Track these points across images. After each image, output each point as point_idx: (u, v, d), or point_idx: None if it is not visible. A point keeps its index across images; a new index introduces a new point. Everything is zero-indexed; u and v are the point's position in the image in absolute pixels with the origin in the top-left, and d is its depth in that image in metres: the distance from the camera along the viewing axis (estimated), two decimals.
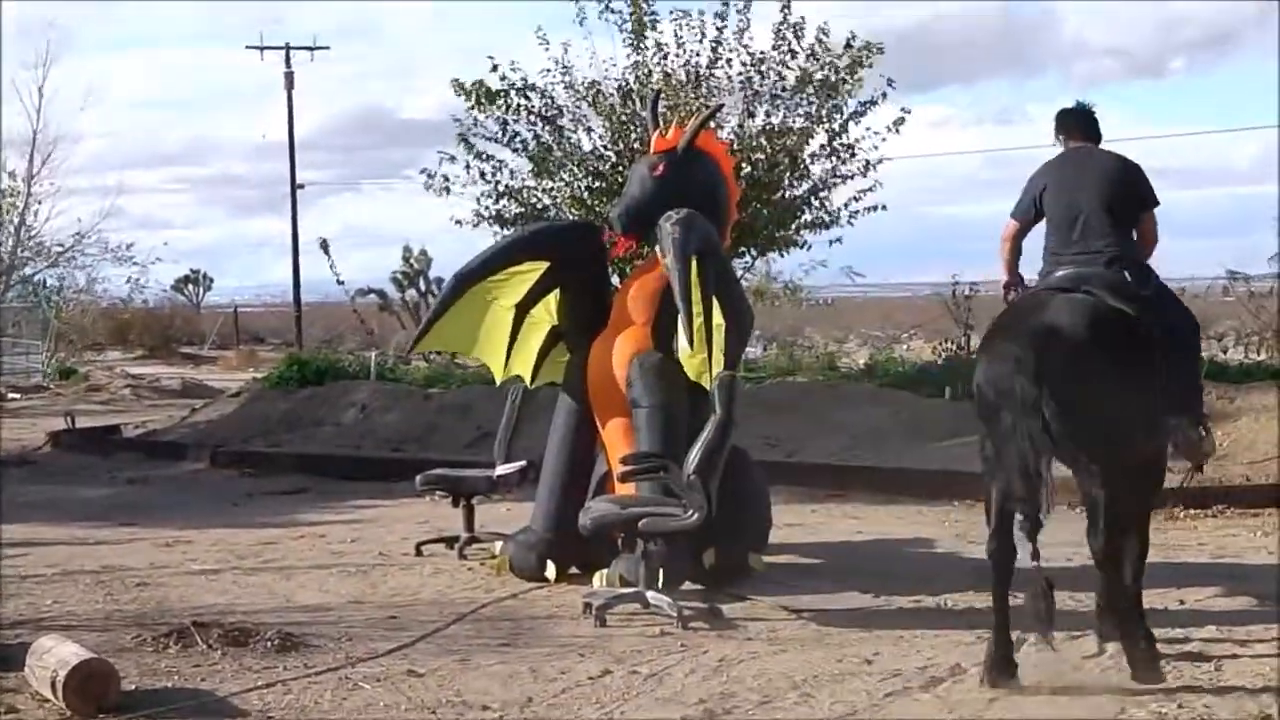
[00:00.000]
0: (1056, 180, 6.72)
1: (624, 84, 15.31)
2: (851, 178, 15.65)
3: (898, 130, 15.61)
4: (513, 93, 15.40)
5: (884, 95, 15.37)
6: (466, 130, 15.65)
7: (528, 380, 9.41)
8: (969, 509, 11.16)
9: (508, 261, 8.99)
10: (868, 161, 15.60)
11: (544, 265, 8.94)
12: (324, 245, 23.56)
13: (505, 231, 15.25)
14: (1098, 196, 6.55)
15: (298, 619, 7.54)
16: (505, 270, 8.94)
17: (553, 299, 9.04)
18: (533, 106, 15.49)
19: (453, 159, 15.82)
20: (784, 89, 15.37)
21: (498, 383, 9.58)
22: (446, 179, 15.91)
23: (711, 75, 15.22)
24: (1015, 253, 6.97)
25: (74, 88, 76.22)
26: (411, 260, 35.36)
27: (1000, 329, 6.41)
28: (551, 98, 15.54)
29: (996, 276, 7.37)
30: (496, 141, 15.70)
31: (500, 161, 15.76)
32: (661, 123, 9.24)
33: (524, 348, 9.21)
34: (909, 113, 15.70)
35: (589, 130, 15.64)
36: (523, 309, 9.05)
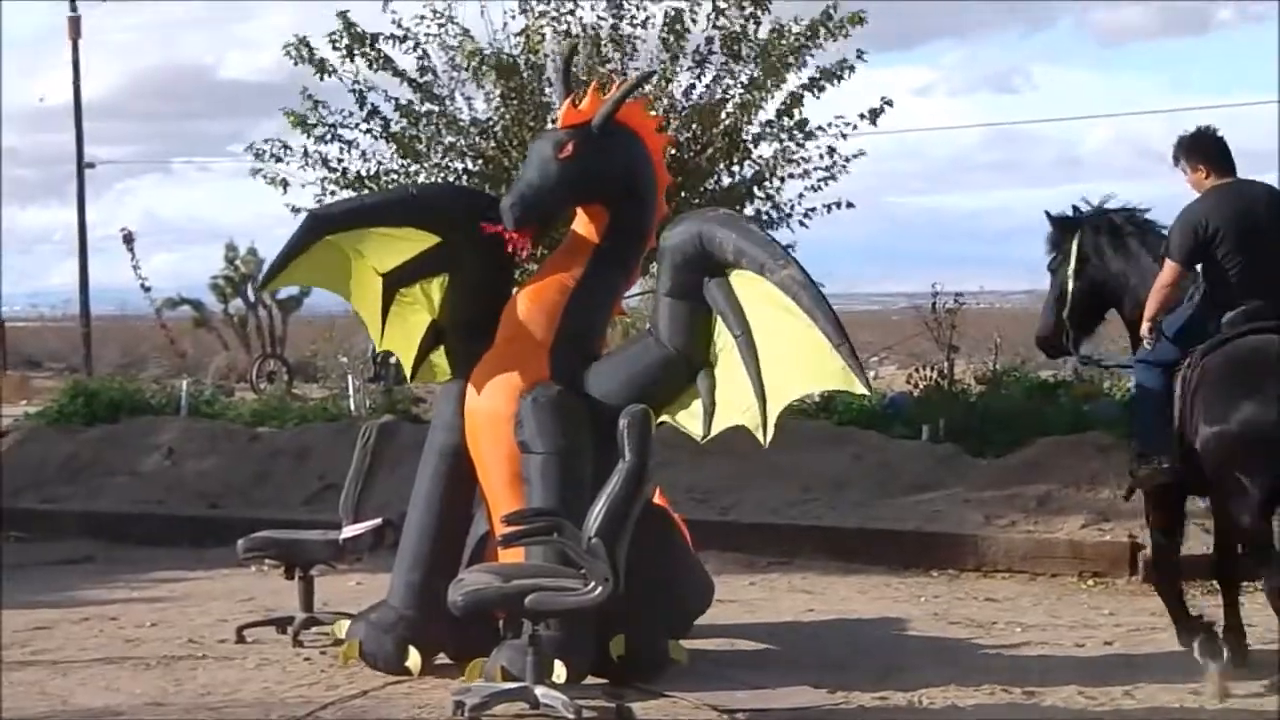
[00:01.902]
0: (1229, 220, 8.27)
1: (513, 47, 15.29)
2: (806, 165, 15.65)
3: (874, 121, 15.62)
4: (368, 47, 15.29)
5: (850, 68, 15.37)
6: (305, 109, 15.46)
7: (406, 371, 9.39)
8: (950, 580, 11.30)
9: (380, 220, 8.95)
10: (831, 149, 15.59)
11: (429, 239, 8.88)
12: (127, 238, 23.36)
13: None
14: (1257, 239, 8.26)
15: None
16: (375, 230, 8.89)
17: (435, 286, 8.99)
18: (399, 67, 15.41)
19: (286, 146, 15.66)
20: (717, 48, 15.42)
21: (376, 348, 9.57)
22: (279, 159, 15.70)
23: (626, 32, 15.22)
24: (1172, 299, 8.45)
25: None
26: (237, 261, 35.03)
27: (1260, 371, 7.98)
28: (426, 52, 15.48)
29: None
30: (345, 126, 15.54)
31: (348, 143, 15.61)
32: (573, 88, 9.21)
33: (401, 328, 9.14)
34: (891, 104, 15.70)
35: (469, 100, 15.60)
36: (393, 283, 8.98)
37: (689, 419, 8.28)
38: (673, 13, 15.23)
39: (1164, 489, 8.51)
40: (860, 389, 7.71)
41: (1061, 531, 11.88)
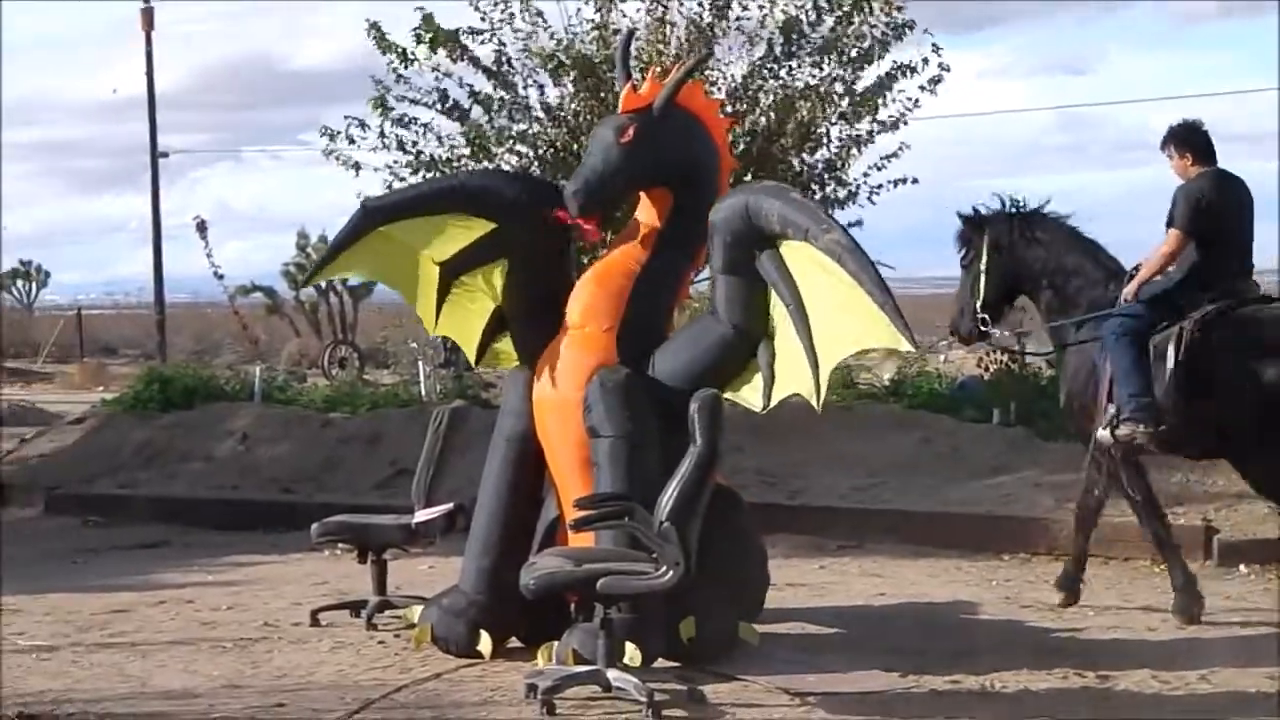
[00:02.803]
0: (1222, 202, 9.25)
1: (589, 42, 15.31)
2: (870, 139, 15.61)
3: (933, 90, 15.59)
4: (451, 43, 15.36)
5: (925, 60, 15.30)
6: (383, 92, 15.55)
7: (471, 357, 9.44)
8: (1021, 564, 11.25)
9: (431, 209, 9.03)
10: (897, 120, 15.54)
11: (485, 226, 8.92)
12: (201, 226, 23.42)
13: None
14: (1251, 226, 9.41)
15: (155, 708, 7.53)
16: (429, 218, 8.97)
17: (496, 273, 9.03)
18: (476, 57, 15.47)
19: (363, 125, 15.73)
20: (794, 35, 15.37)
21: (430, 335, 9.67)
22: (353, 140, 15.78)
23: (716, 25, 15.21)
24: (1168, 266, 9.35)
25: None
26: (309, 249, 35.19)
27: None
28: (503, 43, 15.53)
29: None
30: (424, 105, 15.61)
31: (424, 125, 15.67)
32: (635, 73, 9.22)
33: (460, 315, 9.20)
34: (948, 70, 15.66)
35: (540, 87, 15.63)
36: (451, 271, 9.05)
37: (750, 392, 8.27)
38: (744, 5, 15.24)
39: (1138, 449, 9.33)
40: (906, 345, 7.69)
41: (1134, 515, 11.77)
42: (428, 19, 15.23)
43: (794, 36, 15.24)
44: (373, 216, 9.08)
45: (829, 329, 7.90)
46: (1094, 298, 9.58)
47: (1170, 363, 9.06)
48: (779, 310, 8.16)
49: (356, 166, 15.71)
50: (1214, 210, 9.22)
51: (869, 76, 15.44)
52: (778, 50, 15.29)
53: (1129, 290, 9.32)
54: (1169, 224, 9.27)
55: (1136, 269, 9.46)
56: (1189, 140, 9.47)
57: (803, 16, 15.24)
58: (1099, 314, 9.48)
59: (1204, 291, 9.17)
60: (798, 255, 8.02)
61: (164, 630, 9.62)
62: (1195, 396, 9.00)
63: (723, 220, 8.35)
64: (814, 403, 8.00)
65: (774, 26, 15.23)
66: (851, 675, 8.12)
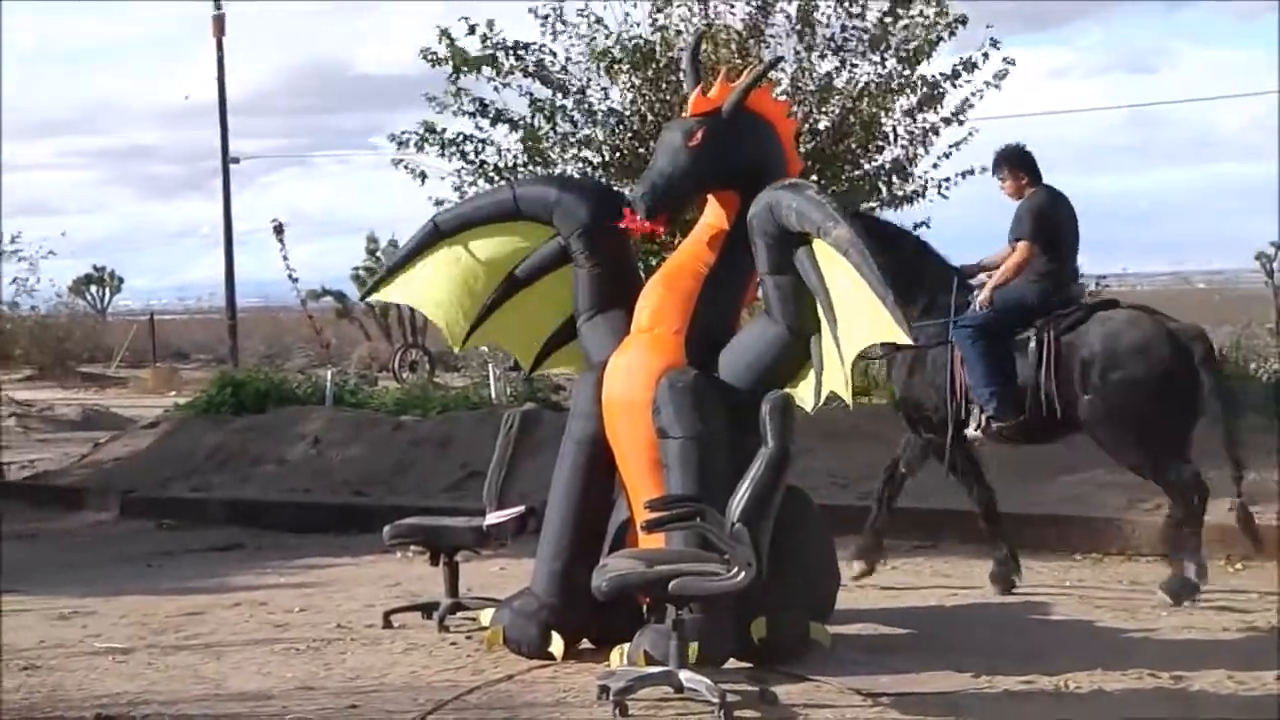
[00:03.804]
0: (1059, 216, 10.33)
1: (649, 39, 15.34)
2: (934, 133, 15.55)
3: (998, 85, 15.55)
4: (502, 54, 15.45)
5: (985, 55, 15.27)
6: (441, 105, 15.64)
7: (524, 363, 9.56)
8: (1095, 564, 11.18)
9: (494, 217, 9.33)
10: (960, 110, 15.49)
11: (547, 232, 9.18)
12: (278, 229, 23.40)
13: None
14: (1078, 237, 10.47)
15: (230, 710, 7.58)
16: (497, 225, 9.27)
17: (559, 279, 9.19)
18: (528, 67, 15.54)
19: (431, 131, 15.82)
20: (853, 36, 15.36)
21: (455, 350, 9.96)
22: (420, 147, 15.90)
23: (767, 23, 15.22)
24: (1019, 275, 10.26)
25: None
26: (378, 253, 35.37)
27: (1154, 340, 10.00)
28: (553, 53, 15.58)
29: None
30: (483, 116, 15.69)
31: (484, 140, 15.75)
32: (704, 77, 9.24)
33: (517, 323, 9.41)
34: (1013, 64, 15.61)
35: (604, 90, 15.68)
36: (515, 281, 9.31)
37: (804, 391, 8.25)
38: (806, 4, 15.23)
39: (1004, 439, 10.32)
40: (904, 339, 7.70)
41: (1208, 514, 11.67)
42: (488, 35, 15.36)
43: (844, 30, 15.27)
44: (440, 231, 9.41)
45: (848, 323, 7.91)
46: (944, 303, 10.33)
47: (1034, 359, 10.01)
48: (818, 308, 8.15)
49: (423, 175, 15.84)
50: (1054, 223, 10.27)
51: (930, 72, 15.45)
52: (820, 45, 15.31)
53: (984, 296, 10.22)
54: (1018, 237, 10.20)
55: (971, 274, 10.50)
56: (1023, 162, 10.45)
57: (843, 9, 15.28)
58: (957, 318, 10.22)
59: (1052, 296, 10.18)
60: (823, 251, 8.03)
61: (238, 632, 9.69)
62: (1061, 386, 9.89)
63: (757, 221, 8.37)
64: (845, 398, 7.97)
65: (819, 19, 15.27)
66: (924, 676, 8.09)
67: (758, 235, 8.37)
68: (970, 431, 10.28)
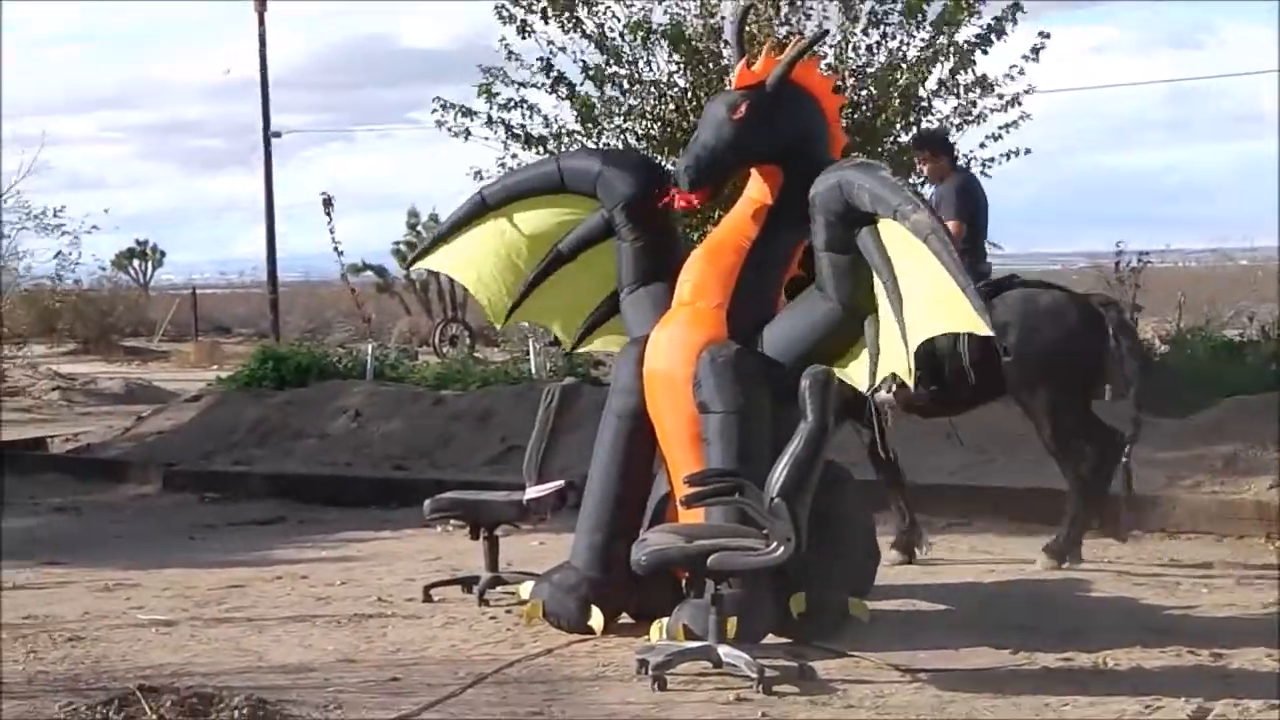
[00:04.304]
0: (980, 197, 10.92)
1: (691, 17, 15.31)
2: (984, 117, 15.51)
3: (1035, 58, 15.47)
4: (564, 13, 15.43)
5: (1013, 20, 15.20)
6: (491, 73, 15.63)
7: (565, 340, 9.57)
8: (1137, 541, 11.13)
9: (538, 190, 9.40)
10: (1015, 96, 15.43)
11: (591, 205, 9.21)
12: (327, 203, 23.35)
13: None
14: (988, 217, 11.02)
15: (272, 682, 7.61)
16: (542, 197, 9.34)
17: (604, 254, 9.21)
18: (587, 30, 15.53)
19: (470, 113, 15.84)
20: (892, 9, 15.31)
21: (498, 327, 9.91)
22: (466, 113, 15.90)
23: None
24: None
25: None
26: (419, 227, 35.46)
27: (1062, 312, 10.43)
28: (614, 14, 15.56)
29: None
30: (532, 87, 15.69)
31: (533, 106, 15.75)
32: (748, 49, 9.22)
33: (558, 301, 9.45)
34: (1048, 37, 15.53)
35: (649, 62, 15.65)
36: (558, 255, 9.37)
37: (856, 370, 8.25)
38: None
39: (917, 409, 10.55)
40: (985, 330, 7.64)
41: (1249, 492, 11.66)
42: None
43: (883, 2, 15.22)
44: (486, 204, 9.49)
45: (917, 307, 7.86)
46: None
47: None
48: (879, 288, 8.14)
49: (467, 133, 15.86)
50: (974, 202, 10.82)
51: (961, 40, 15.38)
52: (864, 18, 15.26)
53: None
54: (948, 217, 10.07)
55: None
56: (945, 146, 11.28)
57: None
58: None
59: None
60: (892, 233, 8.00)
61: (279, 605, 9.74)
62: (984, 359, 9.98)
63: (821, 198, 8.33)
64: (908, 381, 7.97)
65: None
66: (962, 652, 8.10)
67: (820, 211, 8.34)
68: (881, 395, 9.94)
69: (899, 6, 15.25)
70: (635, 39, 15.39)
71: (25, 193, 28.65)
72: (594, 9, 15.46)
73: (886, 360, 8.07)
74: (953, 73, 15.40)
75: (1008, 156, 15.57)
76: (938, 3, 15.24)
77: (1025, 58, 15.37)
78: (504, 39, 15.57)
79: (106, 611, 9.59)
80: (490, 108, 15.65)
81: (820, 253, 8.45)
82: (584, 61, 15.56)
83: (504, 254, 9.46)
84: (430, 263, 10.08)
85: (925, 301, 7.80)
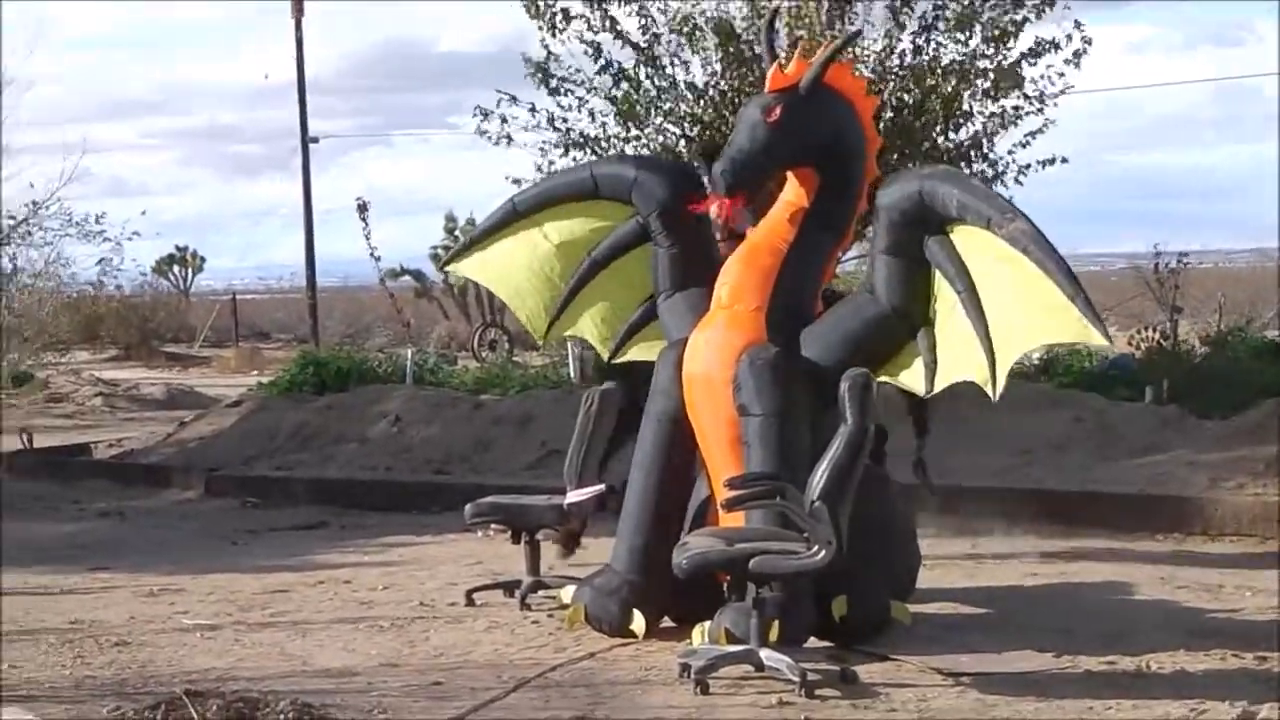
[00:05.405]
0: None
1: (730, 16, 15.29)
2: (1016, 117, 15.46)
3: (1077, 64, 15.43)
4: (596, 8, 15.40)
5: (1068, 36, 15.14)
6: (538, 65, 15.60)
7: (602, 349, 9.58)
8: (1176, 544, 11.11)
9: (570, 196, 9.41)
10: (1041, 94, 15.40)
11: (626, 211, 9.22)
12: (362, 208, 23.41)
13: None
14: None
15: (317, 686, 7.64)
16: (575, 204, 9.35)
17: (640, 261, 9.23)
18: (624, 30, 15.51)
19: (514, 99, 15.81)
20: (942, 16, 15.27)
21: (539, 343, 9.90)
22: (505, 119, 15.87)
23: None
24: None
25: (14, 23, 76.82)
26: (456, 232, 35.49)
27: None
28: (652, 18, 15.54)
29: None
30: (573, 83, 15.67)
31: (578, 99, 15.71)
32: (781, 53, 9.23)
33: (597, 312, 9.44)
34: (1090, 43, 15.49)
35: (685, 64, 15.64)
36: (595, 263, 9.37)
37: (910, 377, 8.25)
38: None
39: None
40: (1099, 339, 7.61)
41: None
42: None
43: (932, 8, 15.16)
44: (517, 211, 9.51)
45: (1008, 319, 7.82)
46: None
47: None
48: (944, 296, 8.12)
49: (508, 139, 15.82)
50: None
51: (1013, 54, 15.32)
52: (913, 24, 15.20)
53: None
54: None
55: None
56: None
57: None
58: None
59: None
60: (972, 242, 7.98)
61: (323, 610, 9.77)
62: None
63: (893, 203, 8.33)
64: (990, 392, 7.95)
65: None
66: (1004, 655, 8.07)
67: (888, 215, 8.35)
68: None
69: (946, 13, 15.21)
70: (680, 34, 15.36)
71: (67, 199, 28.81)
72: (634, 4, 15.42)
73: (954, 368, 8.05)
74: (997, 84, 15.35)
75: (1044, 165, 15.52)
76: (990, 9, 15.18)
77: (1067, 61, 15.32)
78: (543, 40, 15.56)
79: (151, 616, 9.64)
80: (541, 88, 15.54)
81: (878, 255, 8.46)
82: (619, 64, 15.52)
83: (537, 268, 9.47)
84: (465, 269, 10.11)
85: (1018, 313, 7.78)
